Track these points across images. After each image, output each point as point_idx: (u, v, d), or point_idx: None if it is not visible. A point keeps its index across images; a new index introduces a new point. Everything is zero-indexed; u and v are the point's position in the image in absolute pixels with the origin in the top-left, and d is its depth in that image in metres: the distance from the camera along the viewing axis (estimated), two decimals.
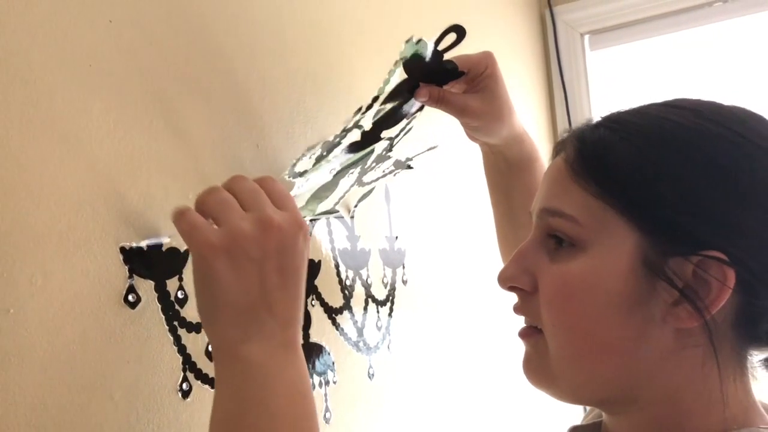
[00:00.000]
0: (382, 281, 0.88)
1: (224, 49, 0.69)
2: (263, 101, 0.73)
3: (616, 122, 0.55)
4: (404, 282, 0.93)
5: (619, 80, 1.76)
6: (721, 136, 0.52)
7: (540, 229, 0.57)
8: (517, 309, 0.58)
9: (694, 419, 0.52)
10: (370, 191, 0.83)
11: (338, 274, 0.80)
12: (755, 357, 0.55)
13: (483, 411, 1.15)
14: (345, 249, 0.81)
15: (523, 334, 0.58)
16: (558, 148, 0.58)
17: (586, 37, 1.68)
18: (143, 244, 0.58)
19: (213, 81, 0.67)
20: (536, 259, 0.56)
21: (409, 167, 0.80)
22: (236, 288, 0.50)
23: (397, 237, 0.92)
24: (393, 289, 0.90)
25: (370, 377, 0.83)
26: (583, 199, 0.53)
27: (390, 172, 0.80)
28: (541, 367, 0.56)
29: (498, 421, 1.21)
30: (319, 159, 0.69)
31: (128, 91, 0.59)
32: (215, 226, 0.50)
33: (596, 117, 0.58)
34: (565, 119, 1.61)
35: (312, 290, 0.77)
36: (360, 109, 0.69)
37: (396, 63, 0.67)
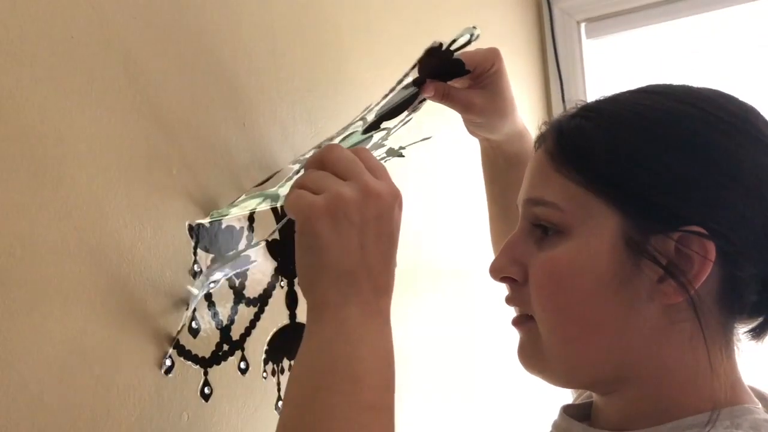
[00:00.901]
0: None
1: (209, 26, 0.69)
2: (249, 79, 0.73)
3: (590, 110, 0.57)
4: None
5: (616, 69, 1.76)
6: (691, 115, 0.54)
7: (526, 219, 0.58)
8: (509, 300, 0.60)
9: (684, 394, 0.54)
10: None
11: None
12: (741, 329, 0.56)
13: (469, 394, 1.15)
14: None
15: (516, 322, 0.60)
16: (539, 140, 0.59)
17: (583, 24, 1.67)
18: None
19: (198, 58, 0.67)
20: (525, 249, 0.57)
21: (401, 155, 0.80)
22: (338, 250, 0.51)
23: None
24: None
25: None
26: (564, 187, 0.55)
27: (382, 159, 0.79)
28: (535, 353, 0.58)
29: (482, 403, 1.21)
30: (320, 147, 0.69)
31: (111, 66, 0.58)
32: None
33: (573, 107, 0.59)
34: (560, 107, 1.61)
35: None
36: (368, 106, 0.70)
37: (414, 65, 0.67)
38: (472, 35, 0.67)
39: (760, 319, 0.56)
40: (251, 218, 0.71)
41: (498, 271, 0.59)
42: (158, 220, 0.61)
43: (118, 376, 0.56)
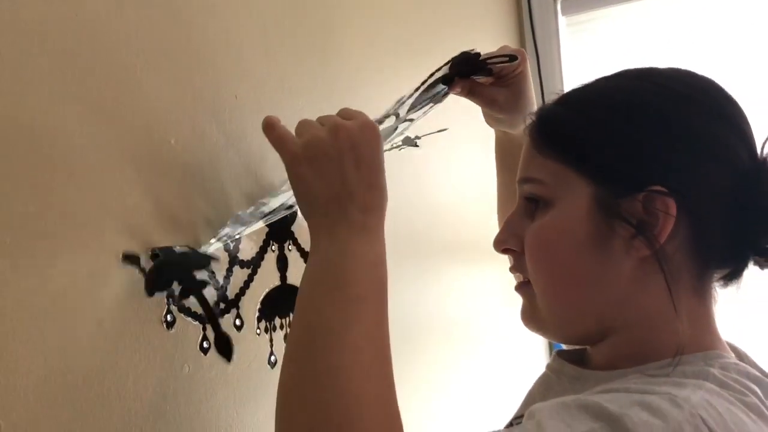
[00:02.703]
0: None
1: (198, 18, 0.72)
2: (241, 52, 0.76)
3: (565, 97, 0.66)
4: None
5: (593, 52, 1.80)
6: (648, 90, 0.62)
7: (521, 197, 0.66)
8: (512, 269, 0.69)
9: (663, 338, 0.60)
10: None
11: None
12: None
13: (455, 352, 1.22)
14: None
15: (518, 287, 0.68)
16: (527, 129, 0.67)
17: (559, 1, 1.71)
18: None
19: (189, 31, 0.70)
20: (521, 223, 0.65)
21: (416, 146, 0.85)
22: (320, 185, 0.60)
23: None
24: None
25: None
26: (545, 165, 0.63)
27: (397, 147, 0.84)
28: (533, 314, 0.66)
29: (470, 360, 1.28)
30: None
31: (103, 38, 0.61)
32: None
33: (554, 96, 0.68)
34: (536, 81, 1.66)
35: (289, 236, 0.81)
36: (401, 99, 0.76)
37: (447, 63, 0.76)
38: (510, 58, 0.76)
39: (730, 268, 0.63)
40: None
41: (500, 244, 0.68)
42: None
43: (126, 332, 0.60)
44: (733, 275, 0.64)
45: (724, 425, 0.49)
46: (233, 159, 0.74)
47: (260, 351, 0.76)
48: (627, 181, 0.59)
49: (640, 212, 0.58)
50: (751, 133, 0.63)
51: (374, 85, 1.03)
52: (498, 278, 1.37)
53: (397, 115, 0.75)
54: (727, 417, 0.50)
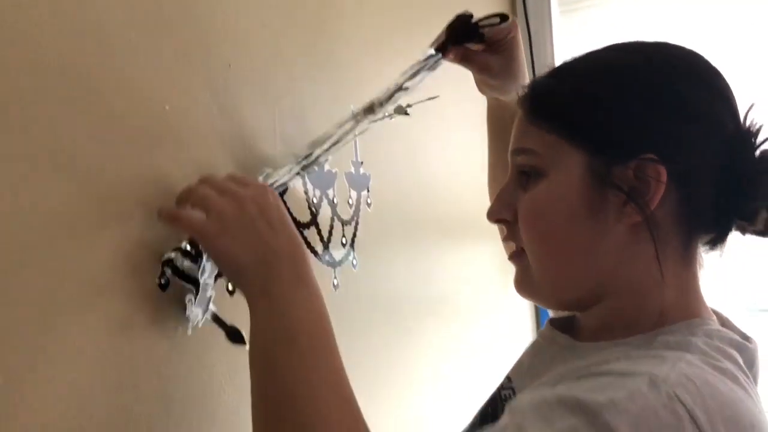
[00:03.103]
0: (348, 202, 0.94)
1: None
2: (236, 22, 0.77)
3: (557, 69, 0.67)
4: (368, 204, 0.99)
5: (586, 32, 1.81)
6: (637, 62, 0.63)
7: (513, 168, 0.67)
8: (505, 238, 0.70)
9: (650, 304, 0.62)
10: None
11: (305, 192, 0.85)
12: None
13: (443, 327, 1.23)
14: (312, 169, 0.86)
15: (512, 256, 0.69)
16: (520, 101, 0.68)
17: None
18: None
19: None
20: (514, 193, 0.67)
21: (406, 113, 0.86)
22: (243, 252, 0.61)
23: (362, 162, 0.98)
24: (358, 210, 0.96)
25: (334, 288, 0.90)
26: (538, 136, 0.64)
27: (388, 115, 0.85)
28: (527, 281, 0.67)
29: (458, 335, 1.29)
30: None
31: (98, 5, 0.62)
32: (203, 215, 0.63)
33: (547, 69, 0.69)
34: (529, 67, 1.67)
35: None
36: (404, 72, 0.79)
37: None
38: (503, 18, 0.78)
39: (715, 233, 0.65)
40: None
41: (493, 214, 0.69)
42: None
43: (122, 294, 0.62)
44: (717, 240, 0.66)
45: (701, 399, 0.51)
46: (226, 126, 0.75)
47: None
48: (619, 150, 0.61)
49: (631, 180, 0.60)
50: (736, 102, 0.64)
51: (369, 56, 1.04)
52: (488, 254, 1.39)
53: (407, 88, 0.78)
54: (704, 391, 0.52)
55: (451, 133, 1.31)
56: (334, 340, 0.61)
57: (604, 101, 0.62)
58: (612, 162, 0.61)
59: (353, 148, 0.96)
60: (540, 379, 0.64)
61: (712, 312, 0.67)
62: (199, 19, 0.73)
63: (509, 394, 0.70)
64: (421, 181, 1.19)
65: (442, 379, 1.23)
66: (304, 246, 0.65)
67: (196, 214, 0.63)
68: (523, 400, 0.56)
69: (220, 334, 0.71)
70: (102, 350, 0.59)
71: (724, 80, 0.65)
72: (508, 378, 0.73)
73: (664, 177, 0.59)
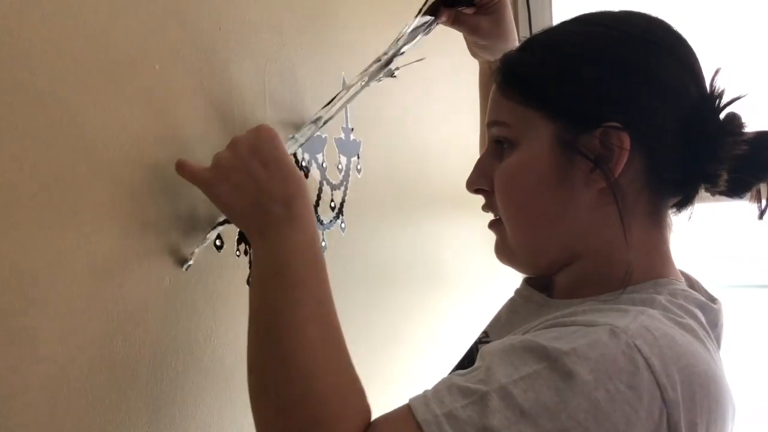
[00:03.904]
0: (337, 167, 0.96)
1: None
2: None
3: (527, 42, 0.70)
4: (358, 170, 1.01)
5: None
6: (602, 33, 0.66)
7: (490, 140, 0.70)
8: (484, 207, 0.73)
9: (618, 265, 0.64)
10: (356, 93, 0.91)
11: (295, 155, 0.88)
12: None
13: (429, 292, 1.26)
14: (302, 133, 0.89)
15: (490, 224, 0.73)
16: (494, 75, 0.70)
17: None
18: None
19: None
20: (491, 164, 0.69)
21: (393, 76, 0.89)
22: (238, 196, 0.65)
23: (352, 128, 1.00)
24: (347, 175, 0.98)
25: (323, 249, 0.92)
26: (510, 108, 0.67)
27: (375, 78, 0.88)
28: (505, 248, 0.71)
29: (443, 300, 1.32)
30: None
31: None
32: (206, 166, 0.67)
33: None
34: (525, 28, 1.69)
35: None
36: (397, 38, 0.83)
37: None
38: None
39: (681, 196, 0.68)
40: None
41: (471, 184, 0.72)
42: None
43: (109, 239, 0.64)
44: (684, 202, 0.68)
45: (658, 349, 0.54)
46: (215, 86, 0.77)
47: (239, 271, 0.80)
48: (584, 119, 0.63)
49: (597, 147, 0.62)
50: (700, 69, 0.66)
51: (357, 22, 1.05)
52: (476, 223, 1.41)
53: (396, 43, 0.81)
54: (662, 342, 0.55)
55: (443, 104, 1.33)
56: (322, 273, 0.65)
57: (568, 72, 0.65)
58: (578, 131, 0.63)
59: (344, 114, 0.98)
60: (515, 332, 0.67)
61: (680, 273, 0.69)
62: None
63: None
64: (413, 150, 1.21)
65: (426, 340, 1.26)
66: (300, 183, 0.67)
67: (198, 165, 0.68)
68: (493, 346, 0.59)
69: (207, 282, 0.74)
70: (89, 296, 0.61)
71: (688, 48, 0.67)
72: (485, 332, 0.76)
73: (627, 144, 0.61)
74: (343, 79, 0.99)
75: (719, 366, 0.61)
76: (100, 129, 0.63)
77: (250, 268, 0.81)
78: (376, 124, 1.08)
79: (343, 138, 0.98)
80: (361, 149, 1.02)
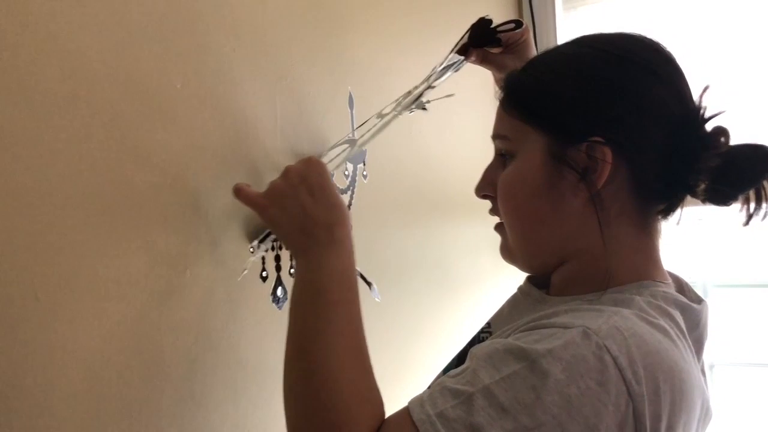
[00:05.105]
0: (344, 173, 1.04)
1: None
2: (238, 12, 0.88)
3: (527, 64, 0.77)
4: (364, 176, 1.09)
5: (588, 28, 1.88)
6: (589, 55, 0.72)
7: (496, 151, 0.78)
8: (490, 211, 0.81)
9: (602, 267, 0.70)
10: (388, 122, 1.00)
11: None
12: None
13: (434, 291, 1.32)
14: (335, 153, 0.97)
15: (496, 227, 0.80)
16: (497, 94, 0.78)
17: None
18: None
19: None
20: (495, 173, 0.77)
21: (424, 109, 0.99)
22: (287, 220, 0.75)
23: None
24: (354, 181, 1.07)
25: None
26: (510, 122, 0.74)
27: (407, 109, 0.97)
28: (506, 249, 0.79)
29: (448, 298, 1.38)
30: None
31: None
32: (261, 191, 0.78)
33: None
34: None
35: None
36: (430, 74, 0.93)
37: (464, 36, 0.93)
38: (517, 24, 0.92)
39: (666, 203, 0.73)
40: None
41: (479, 191, 0.80)
42: None
43: (134, 237, 0.73)
44: (668, 210, 0.73)
45: (626, 348, 0.59)
46: (230, 103, 0.86)
47: (253, 266, 0.88)
48: (572, 134, 0.69)
49: (584, 160, 0.68)
50: (684, 86, 0.71)
51: (365, 42, 1.13)
52: (478, 226, 1.47)
53: (433, 87, 0.93)
54: (630, 341, 0.60)
55: (444, 113, 1.40)
56: (354, 295, 0.72)
57: (557, 91, 0.71)
58: (566, 144, 0.69)
59: (350, 124, 1.07)
60: (512, 324, 0.73)
61: (668, 275, 0.74)
62: (204, 15, 0.84)
63: (486, 337, 0.81)
64: (418, 157, 1.28)
65: (431, 340, 1.32)
66: (343, 211, 0.76)
67: (254, 191, 0.79)
68: (481, 347, 0.65)
69: (222, 279, 0.82)
70: (127, 284, 0.70)
71: (673, 67, 0.72)
72: (488, 324, 0.83)
73: (609, 157, 0.67)
74: (350, 95, 1.07)
75: (688, 363, 0.65)
76: (130, 142, 0.72)
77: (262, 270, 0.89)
78: (385, 137, 1.15)
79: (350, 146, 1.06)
80: (366, 157, 1.10)
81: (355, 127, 1.07)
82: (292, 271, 0.89)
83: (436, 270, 1.34)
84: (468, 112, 1.38)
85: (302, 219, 0.74)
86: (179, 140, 0.78)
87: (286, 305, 0.89)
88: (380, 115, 0.95)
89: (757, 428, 2.44)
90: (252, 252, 0.85)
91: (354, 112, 1.08)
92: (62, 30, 0.64)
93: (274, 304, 0.89)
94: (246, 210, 0.82)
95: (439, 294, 1.35)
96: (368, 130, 0.95)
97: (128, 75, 0.71)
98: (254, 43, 0.90)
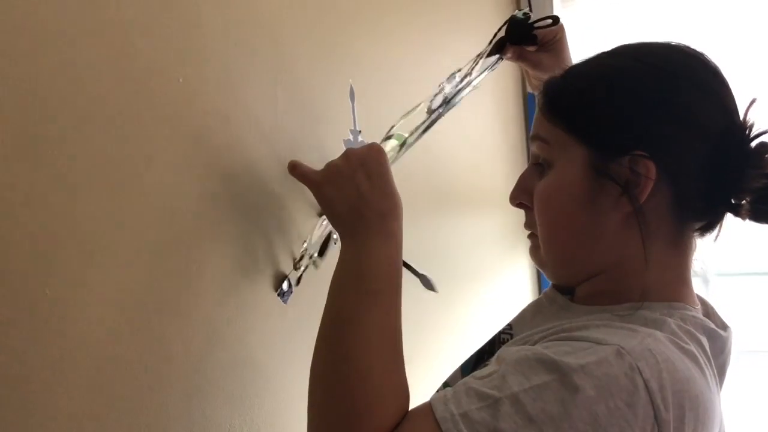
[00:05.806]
0: None
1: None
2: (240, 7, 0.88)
3: (568, 71, 0.76)
4: None
5: (586, 25, 1.88)
6: (632, 66, 0.71)
7: (532, 157, 0.77)
8: (525, 225, 0.79)
9: (635, 282, 0.70)
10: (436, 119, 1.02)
11: None
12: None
13: (452, 284, 1.32)
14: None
15: (529, 234, 0.79)
16: (537, 96, 0.77)
17: None
18: None
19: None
20: (531, 181, 0.76)
21: (477, 88, 0.99)
22: (340, 199, 0.74)
23: (360, 131, 1.07)
24: None
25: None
26: (549, 128, 0.73)
27: (438, 107, 0.97)
28: (537, 256, 0.77)
29: (466, 292, 1.38)
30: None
31: None
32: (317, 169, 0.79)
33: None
34: None
35: None
36: (468, 73, 0.94)
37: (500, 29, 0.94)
38: (554, 20, 0.92)
39: (704, 222, 0.72)
40: None
41: (514, 199, 0.79)
42: None
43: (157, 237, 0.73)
44: (707, 227, 0.73)
45: (658, 373, 0.59)
46: (231, 96, 0.86)
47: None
48: (615, 147, 0.68)
49: (626, 174, 0.67)
50: (730, 100, 0.70)
51: (366, 36, 1.13)
52: (498, 224, 1.48)
53: (477, 87, 0.95)
54: (662, 366, 0.59)
55: (475, 114, 1.40)
56: (396, 287, 0.72)
57: (600, 103, 0.70)
58: (608, 157, 0.68)
59: (352, 117, 1.06)
60: (536, 329, 0.73)
61: (697, 299, 0.74)
62: (206, 16, 0.84)
63: (507, 338, 0.81)
64: (425, 150, 1.28)
65: (446, 336, 1.32)
66: (397, 201, 0.75)
67: (310, 168, 0.79)
68: (510, 352, 0.65)
69: (229, 274, 0.82)
70: (139, 278, 0.70)
71: (719, 80, 0.70)
72: (509, 325, 0.83)
73: (652, 172, 0.66)
74: (351, 87, 1.07)
75: (712, 392, 0.65)
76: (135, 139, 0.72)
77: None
78: (386, 127, 1.15)
79: (351, 140, 1.06)
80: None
81: (356, 123, 1.07)
82: (297, 265, 0.89)
83: (446, 263, 1.34)
84: (493, 111, 1.37)
85: (356, 201, 0.73)
86: (181, 135, 0.77)
87: (291, 300, 0.90)
88: (429, 111, 0.96)
89: (758, 414, 2.45)
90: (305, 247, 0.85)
91: (355, 104, 1.08)
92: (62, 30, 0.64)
93: (279, 298, 0.89)
94: (248, 202, 0.82)
95: (449, 289, 1.35)
96: (417, 128, 0.96)
97: (128, 70, 0.71)
98: (255, 36, 0.90)
